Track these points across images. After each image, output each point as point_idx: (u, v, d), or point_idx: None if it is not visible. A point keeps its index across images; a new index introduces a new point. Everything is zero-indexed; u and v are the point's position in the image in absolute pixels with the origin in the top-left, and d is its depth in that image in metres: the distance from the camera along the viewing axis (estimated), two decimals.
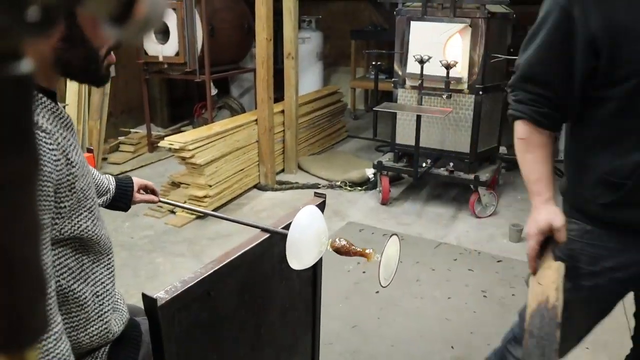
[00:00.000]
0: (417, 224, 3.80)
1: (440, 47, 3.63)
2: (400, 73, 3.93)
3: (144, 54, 5.13)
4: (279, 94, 4.67)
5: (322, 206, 1.67)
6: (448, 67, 3.46)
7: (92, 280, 1.15)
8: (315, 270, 1.73)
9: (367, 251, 1.36)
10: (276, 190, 4.40)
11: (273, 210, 4.00)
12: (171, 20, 4.86)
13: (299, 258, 1.33)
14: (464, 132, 3.79)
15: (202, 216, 3.86)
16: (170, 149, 3.85)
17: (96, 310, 1.16)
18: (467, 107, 3.73)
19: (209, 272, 1.22)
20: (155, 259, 3.32)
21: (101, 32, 0.96)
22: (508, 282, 3.02)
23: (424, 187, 4.45)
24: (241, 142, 4.23)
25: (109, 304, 1.20)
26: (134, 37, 0.32)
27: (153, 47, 5.12)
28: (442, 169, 3.92)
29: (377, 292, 2.84)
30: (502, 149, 4.34)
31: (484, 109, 3.76)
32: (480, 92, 3.68)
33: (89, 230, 1.09)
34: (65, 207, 1.00)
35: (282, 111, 4.69)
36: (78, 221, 1.06)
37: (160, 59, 5.11)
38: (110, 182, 1.54)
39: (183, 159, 3.84)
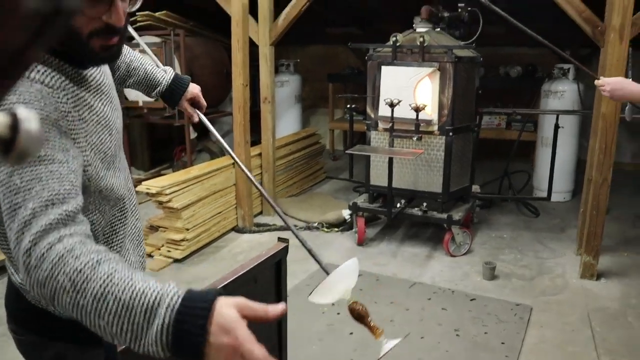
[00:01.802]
0: (392, 264, 3.84)
1: (411, 90, 3.75)
2: (372, 116, 4.04)
3: (124, 99, 5.21)
4: (258, 137, 4.75)
5: (285, 251, 1.72)
6: (417, 110, 3.57)
7: (102, 220, 1.19)
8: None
9: (378, 330, 1.33)
10: (254, 232, 4.43)
11: (250, 253, 4.02)
12: None
13: (323, 295, 1.38)
14: (436, 172, 3.88)
15: (180, 260, 3.88)
16: (147, 194, 3.89)
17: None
18: (438, 148, 3.83)
19: None
20: None
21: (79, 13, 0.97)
22: (481, 320, 3.05)
23: (400, 227, 4.51)
24: (219, 186, 4.28)
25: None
26: (17, 163, 0.39)
27: (133, 92, 5.21)
28: (416, 209, 4.00)
29: (351, 333, 2.86)
30: (476, 188, 4.44)
31: (454, 149, 3.86)
32: (451, 133, 3.79)
33: (101, 179, 1.12)
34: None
35: (260, 154, 4.77)
36: (95, 168, 1.10)
37: (140, 104, 5.19)
38: (165, 78, 1.62)
39: (160, 203, 3.87)
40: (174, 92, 1.65)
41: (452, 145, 3.82)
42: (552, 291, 3.46)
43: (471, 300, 3.30)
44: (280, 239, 1.74)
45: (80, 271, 0.85)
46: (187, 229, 3.91)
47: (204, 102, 1.72)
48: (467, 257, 3.95)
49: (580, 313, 3.18)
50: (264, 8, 4.40)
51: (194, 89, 1.68)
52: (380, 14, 6.16)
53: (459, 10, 4.32)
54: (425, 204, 3.93)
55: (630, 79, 3.38)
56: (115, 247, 1.25)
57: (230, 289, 1.49)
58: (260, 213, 4.85)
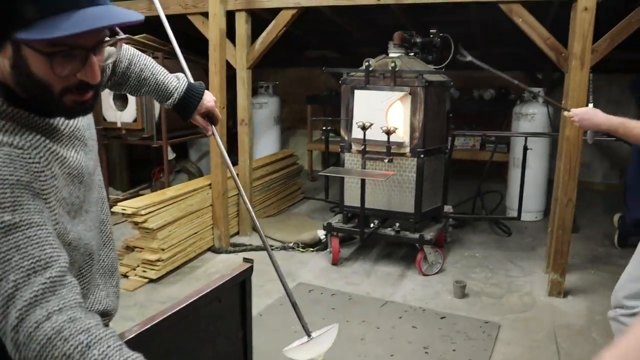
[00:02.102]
0: (365, 283, 3.90)
1: (383, 113, 3.86)
2: (346, 138, 4.13)
3: (103, 119, 5.26)
4: (236, 158, 4.81)
5: (249, 271, 1.78)
6: (388, 132, 3.68)
7: (73, 269, 1.14)
8: (245, 331, 1.81)
9: None
10: (230, 252, 4.47)
11: (226, 273, 4.05)
12: None
13: (299, 353, 1.55)
14: (408, 193, 3.97)
15: (155, 280, 3.90)
16: (123, 214, 3.92)
17: None
18: (409, 169, 3.93)
19: (131, 336, 1.29)
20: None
21: (50, 71, 0.93)
22: (450, 338, 3.12)
23: (374, 246, 4.58)
24: (195, 206, 4.32)
25: None
26: None
27: (112, 113, 5.26)
28: (389, 229, 4.07)
29: None
30: (448, 208, 4.53)
31: (426, 170, 3.97)
32: (422, 155, 3.89)
33: (69, 233, 1.07)
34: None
35: (237, 175, 4.81)
36: (62, 224, 1.06)
37: (119, 124, 5.24)
38: (177, 89, 1.55)
39: (136, 223, 3.90)
40: (187, 105, 1.58)
41: (423, 166, 3.92)
42: (520, 309, 3.54)
43: (441, 318, 3.37)
44: (245, 259, 1.80)
45: (69, 357, 0.85)
46: (163, 250, 3.94)
47: (218, 115, 1.66)
48: (439, 276, 4.03)
49: (547, 330, 3.26)
50: (242, 33, 4.50)
51: (208, 101, 1.61)
52: (357, 38, 6.31)
53: (431, 36, 4.47)
54: (398, 224, 4.02)
55: (592, 104, 3.53)
56: (85, 285, 1.23)
57: (195, 308, 1.55)
58: (237, 233, 4.90)
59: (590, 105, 3.57)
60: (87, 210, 1.17)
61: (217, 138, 1.74)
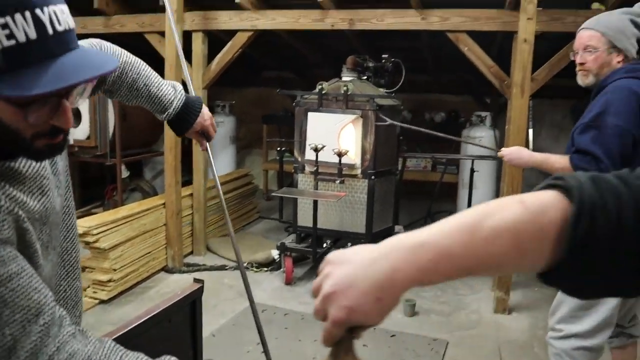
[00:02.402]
0: (314, 303, 3.95)
1: (335, 135, 3.96)
2: (299, 159, 4.21)
3: None
4: (190, 177, 4.82)
5: (200, 291, 1.81)
6: (340, 154, 3.78)
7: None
8: (196, 351, 1.84)
9: None
10: (183, 272, 4.46)
11: (176, 293, 4.03)
12: (83, 105, 4.98)
13: None
14: (359, 213, 4.07)
15: (106, 301, 3.85)
16: None
17: None
18: (361, 190, 4.04)
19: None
20: None
21: (22, 120, 0.89)
22: (399, 356, 3.20)
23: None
24: (148, 226, 4.30)
25: None
26: None
27: None
28: (341, 249, 4.14)
29: None
30: (399, 228, 4.65)
31: (377, 191, 4.08)
32: (373, 177, 4.00)
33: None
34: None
35: (191, 194, 4.83)
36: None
37: (71, 142, 5.17)
38: (173, 105, 1.48)
39: (87, 243, 3.85)
40: (182, 121, 1.53)
41: (374, 188, 4.03)
42: (467, 326, 3.67)
43: (391, 336, 3.45)
44: (195, 280, 1.83)
45: None
46: (115, 270, 3.90)
47: (212, 133, 1.64)
48: None
49: (492, 346, 3.38)
50: (198, 53, 4.54)
51: (205, 120, 1.57)
52: (312, 61, 6.44)
53: (383, 61, 4.63)
54: (350, 244, 4.10)
55: (532, 129, 3.73)
56: None
57: (145, 328, 1.57)
58: (191, 253, 4.88)
59: (530, 130, 3.79)
60: (54, 247, 1.15)
61: (209, 154, 1.75)
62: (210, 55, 4.62)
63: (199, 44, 4.53)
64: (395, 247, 0.66)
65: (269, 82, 7.45)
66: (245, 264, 4.50)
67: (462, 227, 0.64)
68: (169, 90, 1.50)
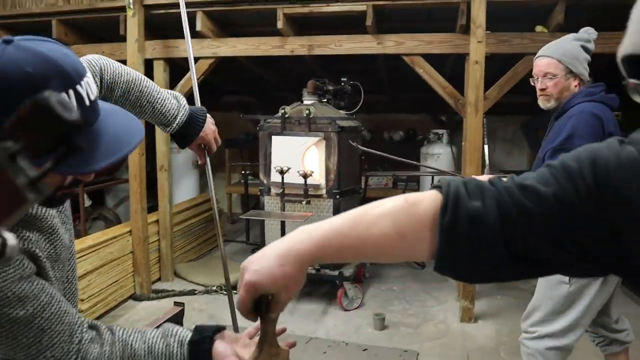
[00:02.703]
0: (289, 321, 4.01)
1: (299, 157, 4.06)
2: (265, 182, 4.29)
3: None
4: (156, 202, 4.83)
5: (181, 315, 1.86)
6: (305, 176, 3.88)
7: None
8: None
9: None
10: (152, 299, 4.44)
11: (149, 320, 4.02)
12: None
13: None
14: None
15: None
16: None
17: None
18: (326, 210, 4.14)
19: None
20: None
21: (61, 182, 0.96)
22: None
23: None
24: (115, 254, 4.28)
25: None
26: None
27: None
28: (310, 267, 4.22)
29: None
30: None
31: (342, 210, 4.18)
32: (338, 196, 4.12)
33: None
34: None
35: (157, 220, 4.83)
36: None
37: None
38: (176, 120, 1.49)
39: None
40: (186, 135, 1.55)
41: (339, 206, 4.14)
42: (436, 336, 3.79)
43: (363, 350, 3.54)
44: (176, 303, 1.88)
45: None
46: (82, 300, 3.86)
47: (213, 147, 1.64)
48: (359, 310, 4.22)
49: (461, 353, 3.51)
50: (160, 80, 4.59)
51: (207, 134, 1.58)
52: (273, 84, 6.56)
53: (342, 84, 4.78)
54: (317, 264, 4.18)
55: (487, 145, 3.91)
56: None
57: None
58: (159, 279, 4.86)
59: (485, 146, 3.98)
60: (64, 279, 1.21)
61: (208, 167, 1.78)
62: (172, 83, 4.68)
63: (160, 72, 4.58)
64: (298, 231, 0.80)
65: (229, 107, 7.52)
66: (214, 287, 4.54)
67: (353, 214, 0.79)
68: (173, 105, 1.51)
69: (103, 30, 4.73)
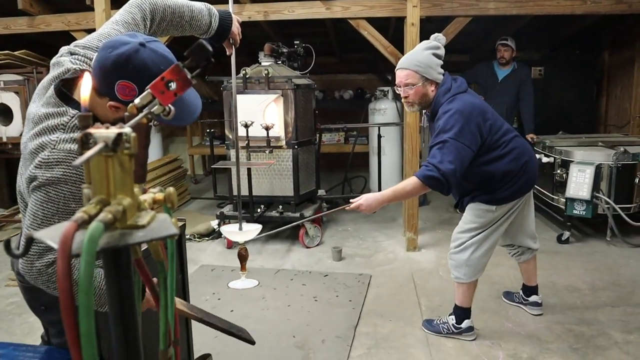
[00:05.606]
0: (259, 259, 4.55)
1: (261, 113, 4.54)
2: (230, 137, 4.76)
3: None
4: None
5: (183, 228, 2.35)
6: (267, 128, 4.37)
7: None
8: (185, 281, 2.38)
9: (245, 270, 2.87)
10: None
11: None
12: (14, 103, 5.22)
13: (230, 234, 2.97)
14: (287, 179, 4.70)
15: None
16: None
17: None
18: (286, 159, 4.66)
19: None
20: (28, 318, 3.63)
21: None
22: (333, 288, 3.87)
23: (264, 229, 5.23)
24: None
25: None
26: None
27: None
28: (274, 212, 4.77)
29: (232, 310, 3.51)
30: (322, 192, 5.33)
31: (300, 159, 4.72)
32: (296, 147, 4.63)
33: None
34: None
35: None
36: None
37: (4, 139, 5.38)
38: (211, 27, 1.82)
39: None
40: (218, 37, 1.84)
41: (298, 156, 4.66)
42: (386, 263, 4.41)
43: (325, 276, 4.12)
44: (178, 219, 2.37)
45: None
46: None
47: (238, 40, 1.95)
48: (319, 247, 4.80)
49: (406, 274, 4.14)
50: None
51: (233, 32, 1.90)
52: None
53: (295, 46, 5.24)
54: (281, 207, 4.72)
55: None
56: None
57: None
58: None
59: None
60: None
61: (232, 59, 2.26)
62: None
63: None
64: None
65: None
66: (188, 236, 5.01)
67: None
68: (206, 18, 1.83)
69: (69, 1, 4.97)
